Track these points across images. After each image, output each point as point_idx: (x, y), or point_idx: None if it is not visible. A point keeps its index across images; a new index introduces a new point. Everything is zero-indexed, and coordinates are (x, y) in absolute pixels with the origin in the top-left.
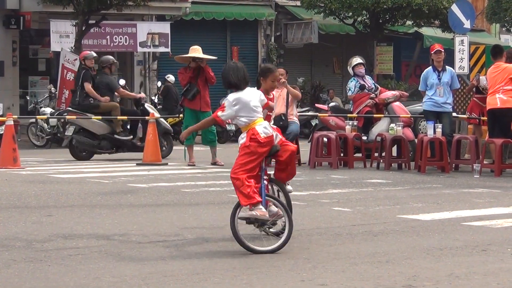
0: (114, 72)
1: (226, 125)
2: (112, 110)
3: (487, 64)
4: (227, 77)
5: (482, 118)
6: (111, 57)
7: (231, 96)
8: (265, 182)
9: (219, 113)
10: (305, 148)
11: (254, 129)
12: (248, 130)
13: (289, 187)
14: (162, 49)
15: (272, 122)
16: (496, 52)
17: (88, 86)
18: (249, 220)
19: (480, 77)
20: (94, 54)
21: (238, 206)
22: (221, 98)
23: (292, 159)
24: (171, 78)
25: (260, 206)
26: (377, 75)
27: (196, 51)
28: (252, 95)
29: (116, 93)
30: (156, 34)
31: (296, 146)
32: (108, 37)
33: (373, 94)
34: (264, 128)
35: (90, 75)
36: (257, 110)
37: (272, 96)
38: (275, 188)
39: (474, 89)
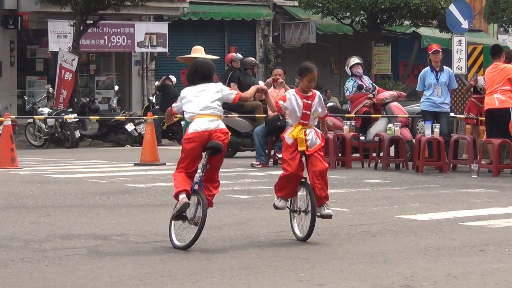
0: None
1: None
2: (256, 109)
3: (485, 64)
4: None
5: (480, 118)
6: (253, 58)
7: (183, 90)
8: (200, 179)
9: (174, 104)
10: None
11: (189, 126)
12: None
13: (328, 211)
14: (160, 49)
15: (316, 122)
16: (495, 51)
17: (234, 87)
18: (176, 216)
19: (478, 77)
20: (241, 56)
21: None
22: None
23: (320, 179)
24: (173, 79)
25: (179, 196)
26: (375, 75)
27: (198, 51)
28: (204, 91)
29: None
30: (154, 34)
31: (327, 165)
32: (106, 37)
33: (371, 94)
34: (194, 124)
35: (237, 76)
36: (206, 107)
37: (312, 93)
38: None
39: (472, 89)
